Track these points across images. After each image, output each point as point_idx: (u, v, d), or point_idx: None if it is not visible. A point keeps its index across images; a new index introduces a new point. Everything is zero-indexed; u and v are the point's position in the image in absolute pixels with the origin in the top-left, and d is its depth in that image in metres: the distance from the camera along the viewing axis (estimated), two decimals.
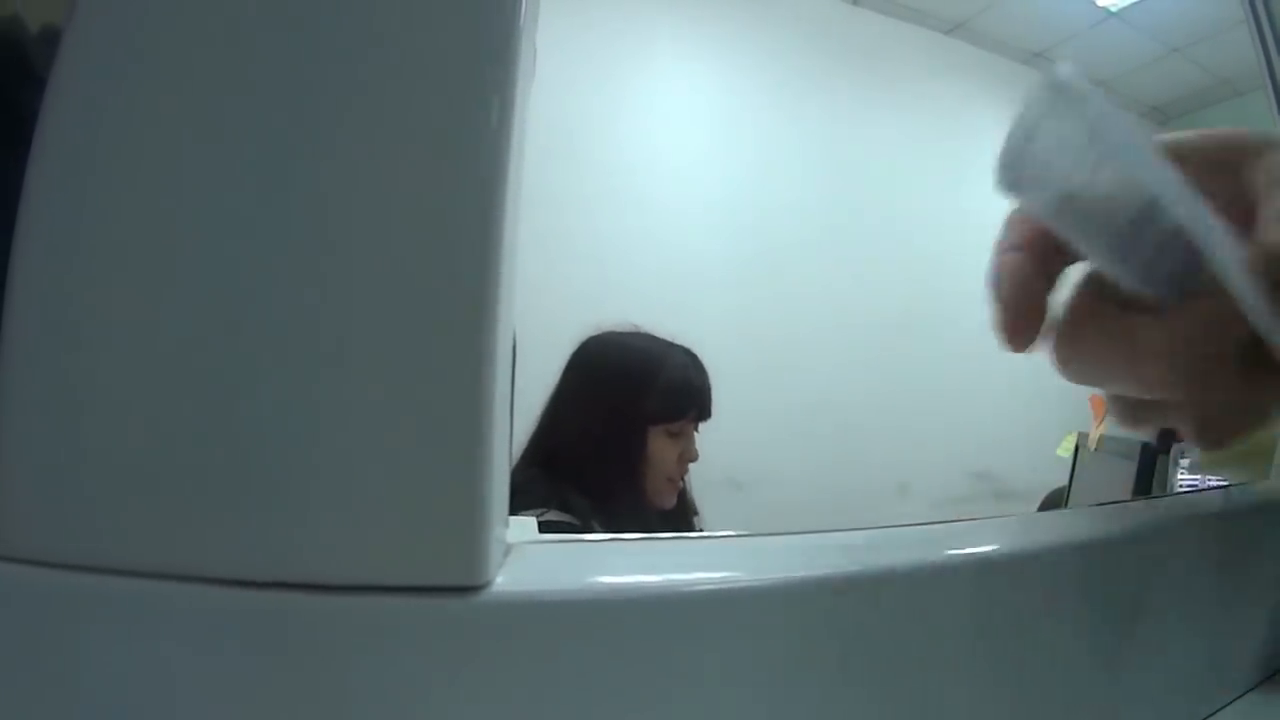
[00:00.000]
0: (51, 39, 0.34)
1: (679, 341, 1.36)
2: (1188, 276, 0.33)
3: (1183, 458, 1.94)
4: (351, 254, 0.32)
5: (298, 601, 0.31)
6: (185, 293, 0.31)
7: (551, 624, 0.33)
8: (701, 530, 1.40)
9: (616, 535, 0.41)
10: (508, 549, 0.35)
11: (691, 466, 1.36)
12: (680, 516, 1.35)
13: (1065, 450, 1.83)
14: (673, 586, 0.35)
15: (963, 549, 0.45)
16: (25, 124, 0.33)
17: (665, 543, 0.41)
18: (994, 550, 0.46)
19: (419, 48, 0.33)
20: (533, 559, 0.35)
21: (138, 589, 0.30)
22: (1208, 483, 1.71)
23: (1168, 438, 1.36)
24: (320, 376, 0.31)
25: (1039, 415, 3.05)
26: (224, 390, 0.31)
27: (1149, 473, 1.42)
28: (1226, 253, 0.30)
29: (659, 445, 1.28)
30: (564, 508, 1.16)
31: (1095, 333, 0.37)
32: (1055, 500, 1.88)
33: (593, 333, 1.36)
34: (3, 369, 0.31)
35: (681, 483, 1.34)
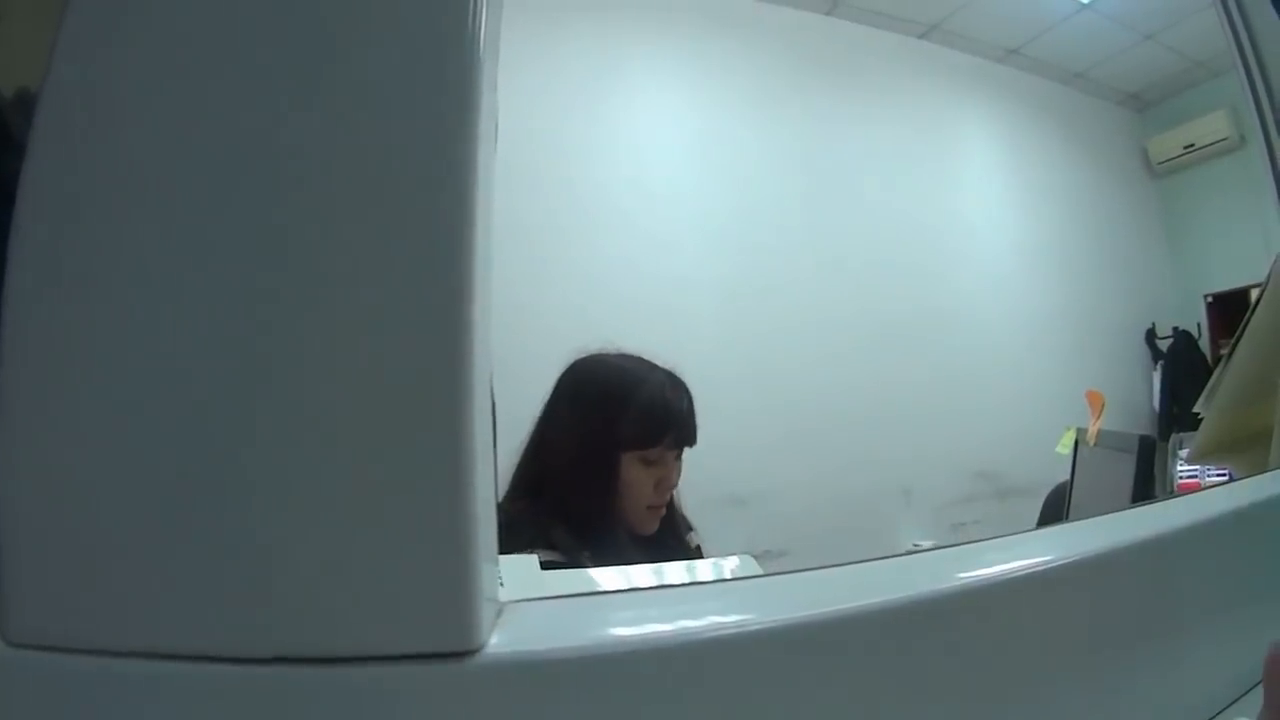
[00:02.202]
0: (27, 103, 0.34)
1: (670, 363, 1.33)
2: None
3: (1181, 448, 1.95)
4: (331, 327, 0.32)
5: (298, 675, 0.31)
6: (174, 385, 0.32)
7: (547, 683, 0.33)
8: (699, 546, 1.37)
9: (617, 589, 0.41)
10: (500, 609, 0.35)
11: (692, 484, 1.33)
12: (671, 540, 1.31)
13: (1065, 447, 1.83)
14: (674, 637, 0.35)
15: (974, 572, 0.45)
16: (9, 184, 0.33)
17: (665, 592, 0.41)
18: (1004, 571, 0.46)
19: (376, 116, 0.33)
20: (525, 618, 0.35)
21: (144, 670, 0.31)
22: (1208, 473, 1.72)
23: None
24: (308, 458, 0.32)
25: (1037, 413, 3.04)
26: (219, 474, 0.31)
27: (1148, 465, 1.41)
28: None
29: (634, 472, 1.25)
30: (550, 545, 1.12)
31: None
32: (1059, 496, 1.88)
33: (580, 354, 1.34)
34: (3, 465, 0.31)
35: (664, 509, 1.29)
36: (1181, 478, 1.92)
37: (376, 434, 0.32)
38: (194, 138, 0.33)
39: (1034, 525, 2.04)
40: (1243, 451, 0.98)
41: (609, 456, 1.24)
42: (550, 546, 1.13)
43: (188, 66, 0.33)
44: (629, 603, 0.40)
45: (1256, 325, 0.99)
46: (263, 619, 0.31)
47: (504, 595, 0.36)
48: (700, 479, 1.37)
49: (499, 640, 0.33)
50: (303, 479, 0.31)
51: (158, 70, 0.33)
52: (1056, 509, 1.84)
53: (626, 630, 0.35)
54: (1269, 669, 0.37)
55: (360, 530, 0.31)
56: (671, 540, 1.31)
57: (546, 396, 1.31)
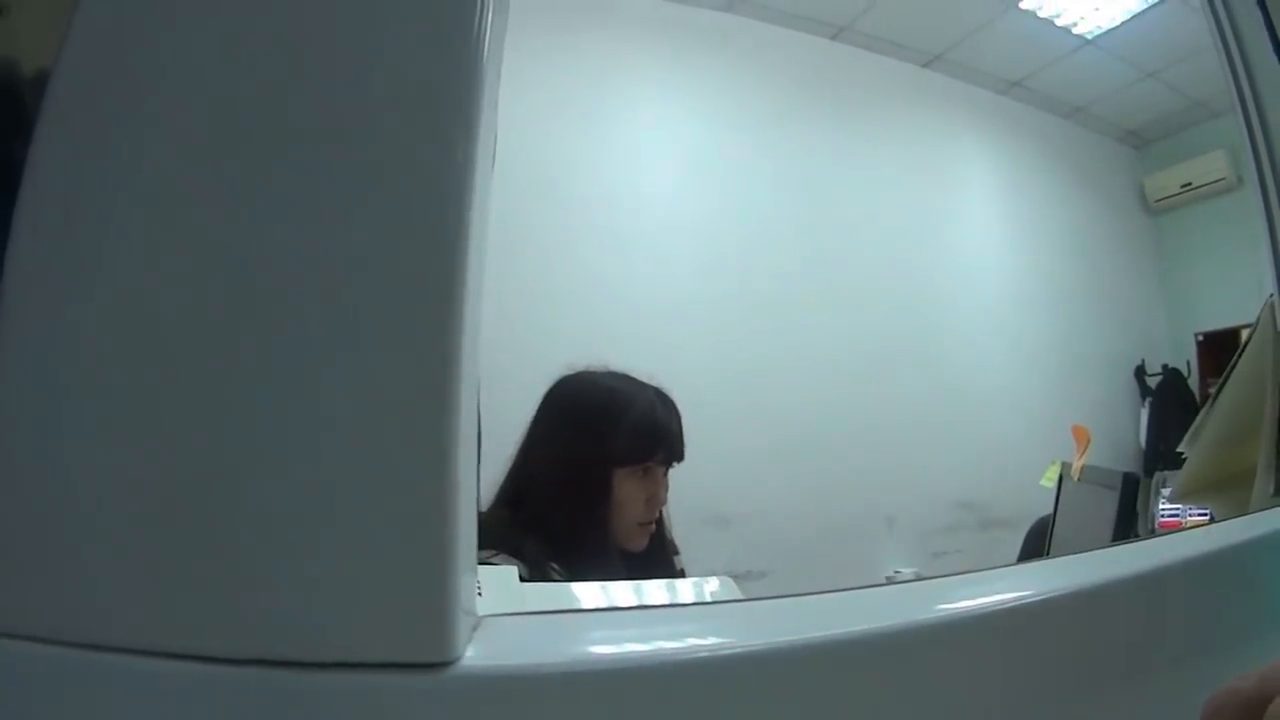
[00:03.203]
0: (43, 84, 0.34)
1: (657, 380, 1.33)
2: None
3: (1164, 487, 1.95)
4: (321, 335, 0.32)
5: (275, 678, 0.31)
6: (166, 384, 0.32)
7: (521, 698, 0.33)
8: (682, 570, 1.37)
9: (596, 607, 0.41)
10: (477, 622, 0.35)
11: (677, 504, 1.34)
12: (659, 558, 1.32)
13: (1049, 480, 1.83)
14: (650, 657, 0.35)
15: (955, 604, 0.45)
16: (19, 171, 0.33)
17: (643, 612, 0.41)
18: (982, 605, 0.46)
19: (380, 138, 0.33)
20: (502, 632, 0.35)
21: (125, 665, 0.31)
22: (1190, 513, 1.72)
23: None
24: (293, 462, 0.32)
25: (1023, 445, 3.05)
26: (205, 476, 0.32)
27: (1131, 502, 1.42)
28: None
29: (625, 488, 1.26)
30: (514, 553, 1.11)
31: None
32: (1041, 529, 1.88)
33: (567, 371, 1.35)
34: None
35: (653, 525, 1.30)
36: (1163, 516, 1.93)
37: (362, 441, 0.32)
38: (197, 135, 0.33)
39: (1015, 557, 2.05)
40: (1225, 493, 0.99)
41: (602, 473, 1.24)
42: (514, 554, 1.12)
43: (197, 63, 0.34)
44: (607, 621, 0.41)
45: (1244, 367, 1.00)
46: (243, 620, 0.31)
47: (481, 608, 0.36)
48: (685, 498, 1.37)
49: (475, 653, 0.33)
50: (288, 483, 0.32)
51: (163, 65, 0.34)
52: (1038, 542, 1.84)
53: (604, 649, 0.35)
54: None
55: (341, 536, 0.32)
56: (660, 559, 1.31)
57: (532, 413, 1.32)
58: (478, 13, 0.35)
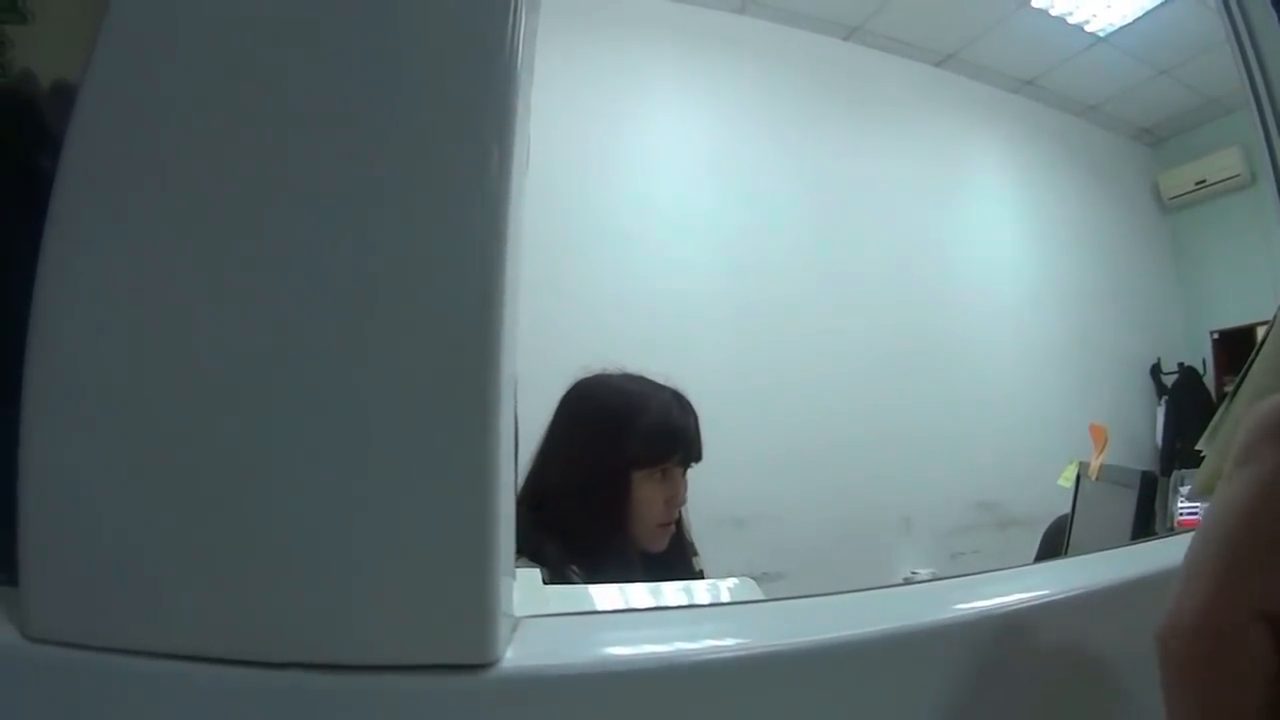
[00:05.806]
0: (63, 94, 0.34)
1: (674, 382, 1.33)
2: None
3: (1183, 485, 1.94)
4: (362, 349, 0.33)
5: (314, 681, 0.32)
6: (204, 391, 0.32)
7: (560, 698, 0.33)
8: (701, 571, 1.37)
9: (626, 608, 0.41)
10: (515, 624, 0.35)
11: (693, 504, 1.33)
12: (678, 559, 1.32)
13: (1067, 480, 1.82)
14: (681, 657, 0.36)
15: (973, 604, 0.45)
16: (36, 181, 0.33)
17: (673, 612, 0.42)
18: (1001, 604, 0.46)
19: (420, 139, 0.34)
20: (540, 633, 0.36)
21: (166, 670, 0.31)
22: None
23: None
24: (336, 468, 0.32)
25: (1040, 444, 3.03)
26: (246, 482, 0.32)
27: (1149, 501, 1.42)
28: None
29: (644, 489, 1.26)
30: (535, 557, 1.12)
31: None
32: (1059, 528, 1.87)
33: (583, 374, 1.34)
34: (24, 461, 0.32)
35: (673, 526, 1.30)
36: (1182, 514, 1.92)
37: (405, 446, 0.32)
38: (233, 142, 0.34)
39: (1033, 557, 2.04)
40: None
41: (621, 476, 1.24)
42: (534, 558, 1.12)
43: (230, 69, 0.34)
44: (642, 622, 0.41)
45: (1261, 364, 0.99)
46: (282, 625, 0.32)
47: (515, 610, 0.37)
48: (702, 499, 1.37)
49: (514, 654, 0.33)
50: (333, 489, 0.32)
51: (201, 72, 0.34)
52: (1056, 541, 1.83)
53: (640, 649, 0.35)
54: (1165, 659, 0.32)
55: (385, 541, 0.32)
56: (679, 560, 1.31)
57: (550, 416, 1.32)
58: (511, 14, 0.35)
